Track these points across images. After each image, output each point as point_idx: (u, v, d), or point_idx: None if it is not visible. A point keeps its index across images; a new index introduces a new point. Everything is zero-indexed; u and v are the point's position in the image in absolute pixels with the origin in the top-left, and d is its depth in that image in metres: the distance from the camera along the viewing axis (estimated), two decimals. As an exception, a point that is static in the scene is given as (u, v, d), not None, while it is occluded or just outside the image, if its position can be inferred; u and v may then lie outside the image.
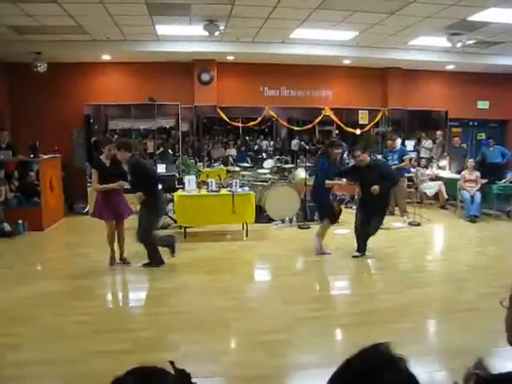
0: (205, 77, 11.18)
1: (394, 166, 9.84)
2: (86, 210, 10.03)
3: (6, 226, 8.19)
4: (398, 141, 10.55)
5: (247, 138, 15.37)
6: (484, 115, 12.90)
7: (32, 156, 9.08)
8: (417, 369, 1.04)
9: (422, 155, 12.37)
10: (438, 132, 12.56)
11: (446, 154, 12.02)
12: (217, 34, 8.48)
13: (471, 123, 13.13)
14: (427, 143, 12.72)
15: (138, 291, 5.66)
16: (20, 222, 8.49)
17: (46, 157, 9.37)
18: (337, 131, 13.13)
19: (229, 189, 8.34)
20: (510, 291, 1.34)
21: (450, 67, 11.88)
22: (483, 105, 12.78)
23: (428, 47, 10.28)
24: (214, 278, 5.93)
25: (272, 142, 15.54)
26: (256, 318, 4.68)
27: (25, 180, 9.20)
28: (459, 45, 9.00)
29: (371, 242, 7.91)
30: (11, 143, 9.25)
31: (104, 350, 3.91)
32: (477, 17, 7.64)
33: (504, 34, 8.79)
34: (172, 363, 1.04)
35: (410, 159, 10.71)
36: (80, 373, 3.56)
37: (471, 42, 9.28)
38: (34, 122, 10.24)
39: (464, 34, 8.62)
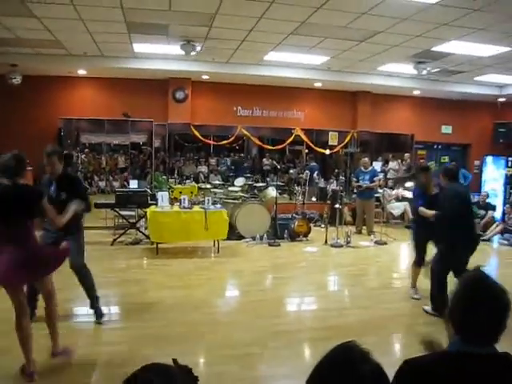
0: (179, 95, 11.33)
1: (364, 185, 10.22)
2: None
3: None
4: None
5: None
6: (447, 139, 13.47)
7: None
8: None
9: (388, 176, 12.80)
10: (406, 154, 13.07)
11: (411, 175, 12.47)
12: (193, 53, 8.67)
13: (435, 146, 13.68)
14: (394, 164, 13.18)
15: (112, 305, 5.68)
16: None
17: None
18: (307, 151, 13.45)
19: (201, 206, 8.47)
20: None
21: (417, 93, 12.39)
22: (447, 129, 13.34)
23: (396, 73, 10.73)
24: (187, 293, 6.03)
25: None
26: (228, 331, 4.81)
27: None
28: (424, 72, 9.47)
29: (341, 258, 8.19)
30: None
31: (79, 363, 3.96)
32: (440, 48, 8.10)
33: (465, 65, 9.31)
34: (175, 360, 1.18)
35: (380, 180, 11.12)
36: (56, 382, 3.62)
37: (435, 70, 9.76)
38: (6, 134, 10.12)
39: (429, 62, 9.09)
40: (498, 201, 12.47)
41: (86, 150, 14.92)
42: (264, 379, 3.89)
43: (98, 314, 5.03)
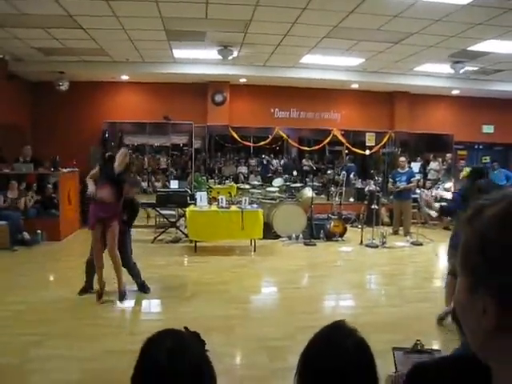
0: (218, 98, 11.65)
1: (401, 186, 10.19)
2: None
3: (26, 235, 8.61)
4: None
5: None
6: (489, 139, 13.19)
7: (52, 170, 9.58)
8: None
9: (429, 177, 12.68)
10: (448, 155, 12.90)
11: (451, 176, 12.33)
12: (230, 58, 8.95)
13: (476, 146, 13.44)
14: (435, 165, 13.04)
15: (150, 299, 5.99)
16: (38, 231, 8.92)
17: (65, 171, 9.86)
18: (347, 151, 13.47)
19: (238, 205, 8.71)
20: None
21: (456, 92, 12.23)
22: (488, 129, 13.06)
23: (433, 73, 10.65)
24: (223, 289, 6.26)
25: (282, 161, 15.94)
26: (259, 325, 5.02)
27: (43, 193, 9.66)
28: (462, 72, 9.39)
29: (376, 258, 8.23)
30: (35, 157, 9.78)
31: (118, 350, 4.25)
32: (477, 47, 8.05)
33: (504, 63, 9.17)
34: (186, 328, 1.40)
35: (418, 180, 11.06)
36: (97, 369, 3.91)
37: (473, 69, 9.65)
38: (54, 138, 10.73)
39: (466, 61, 9.01)
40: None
41: (130, 151, 15.42)
42: (292, 370, 4.04)
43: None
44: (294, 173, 13.34)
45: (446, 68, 9.65)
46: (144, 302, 5.83)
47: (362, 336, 1.39)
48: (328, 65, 10.07)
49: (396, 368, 2.10)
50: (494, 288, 0.65)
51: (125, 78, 11.16)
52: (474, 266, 0.68)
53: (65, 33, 7.79)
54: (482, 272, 0.67)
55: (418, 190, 11.16)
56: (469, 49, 8.17)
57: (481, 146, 13.44)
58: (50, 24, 7.29)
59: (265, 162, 15.60)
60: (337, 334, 1.40)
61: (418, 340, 2.08)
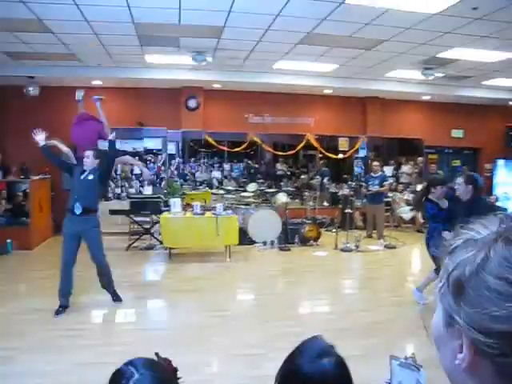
0: (192, 103, 11.59)
1: (374, 190, 10.31)
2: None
3: (-5, 245, 8.40)
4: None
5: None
6: (458, 143, 13.52)
7: (22, 177, 9.36)
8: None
9: (401, 180, 12.88)
10: (419, 159, 13.13)
11: (423, 179, 12.52)
12: (204, 63, 8.92)
13: (446, 150, 13.74)
14: (406, 168, 13.25)
15: (125, 309, 5.90)
16: (8, 240, 8.70)
17: (36, 178, 9.66)
18: (321, 155, 13.55)
19: (213, 212, 8.67)
20: None
21: (426, 98, 12.48)
22: (457, 133, 13.39)
23: (404, 79, 10.85)
24: (198, 297, 6.24)
25: (257, 165, 15.92)
26: (235, 333, 5.00)
27: (13, 200, 9.43)
28: (431, 78, 9.60)
29: (351, 262, 8.33)
30: (4, 164, 9.54)
31: (92, 363, 4.18)
32: (445, 54, 8.25)
33: (472, 70, 9.41)
34: (157, 354, 1.38)
35: (390, 184, 11.22)
36: (72, 383, 3.83)
37: (443, 75, 9.88)
38: (25, 144, 10.43)
39: (436, 68, 9.22)
40: (511, 204, 12.45)
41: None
42: (268, 377, 4.02)
43: None
44: (259, 176, 13.39)
45: (416, 74, 9.84)
46: (118, 312, 5.74)
47: (338, 354, 1.40)
48: (301, 70, 10.13)
49: (391, 378, 2.09)
50: (468, 329, 0.64)
51: (97, 83, 10.99)
52: (450, 302, 0.67)
53: (34, 37, 7.63)
54: (456, 311, 0.66)
55: (390, 194, 11.32)
56: (438, 56, 8.36)
57: (451, 150, 13.74)
58: (18, 28, 7.13)
59: (241, 168, 15.56)
60: (314, 350, 1.40)
61: (412, 353, 2.09)
